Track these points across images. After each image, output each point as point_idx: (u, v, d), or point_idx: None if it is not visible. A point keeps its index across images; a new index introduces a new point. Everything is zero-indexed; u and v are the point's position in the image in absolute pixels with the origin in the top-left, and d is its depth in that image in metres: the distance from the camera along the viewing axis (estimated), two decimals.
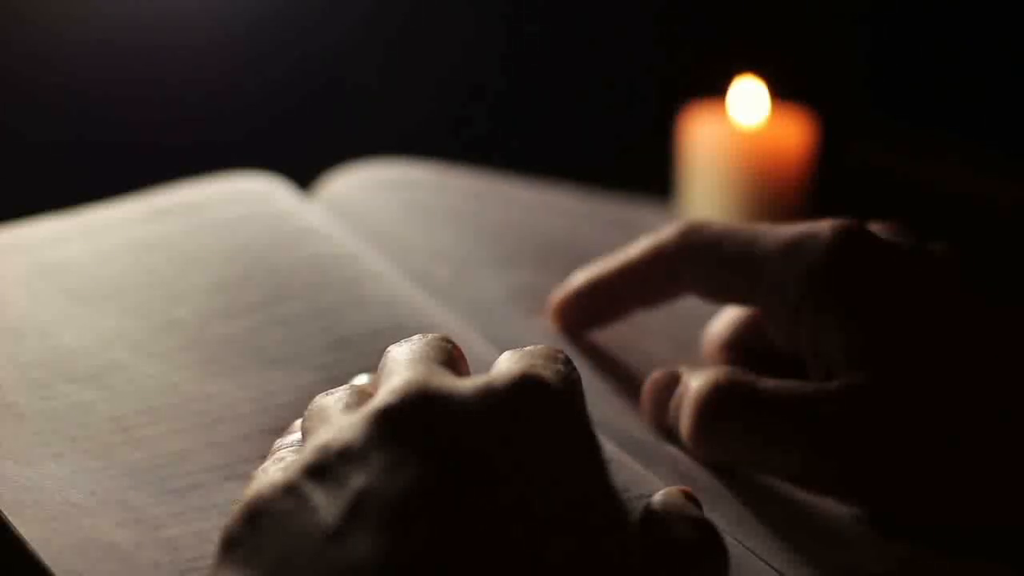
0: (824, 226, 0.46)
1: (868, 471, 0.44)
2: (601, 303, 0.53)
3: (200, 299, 0.51)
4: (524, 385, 0.36)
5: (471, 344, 0.48)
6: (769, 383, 0.45)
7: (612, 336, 0.54)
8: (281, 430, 0.43)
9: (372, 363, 0.41)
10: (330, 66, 1.02)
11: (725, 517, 0.44)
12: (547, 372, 0.37)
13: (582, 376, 0.39)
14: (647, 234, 0.51)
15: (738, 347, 0.52)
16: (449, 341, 0.40)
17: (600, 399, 0.50)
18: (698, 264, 0.49)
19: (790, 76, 0.89)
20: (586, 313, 0.53)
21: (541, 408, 0.36)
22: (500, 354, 0.39)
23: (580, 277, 0.53)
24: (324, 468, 0.34)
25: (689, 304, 0.52)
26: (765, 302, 0.48)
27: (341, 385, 0.40)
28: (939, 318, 0.45)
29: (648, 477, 0.44)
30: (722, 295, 0.50)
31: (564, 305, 0.53)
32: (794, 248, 0.46)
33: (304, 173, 0.65)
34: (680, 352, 0.53)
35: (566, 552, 0.34)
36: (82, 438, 0.44)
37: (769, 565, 0.42)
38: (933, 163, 0.98)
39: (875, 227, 0.48)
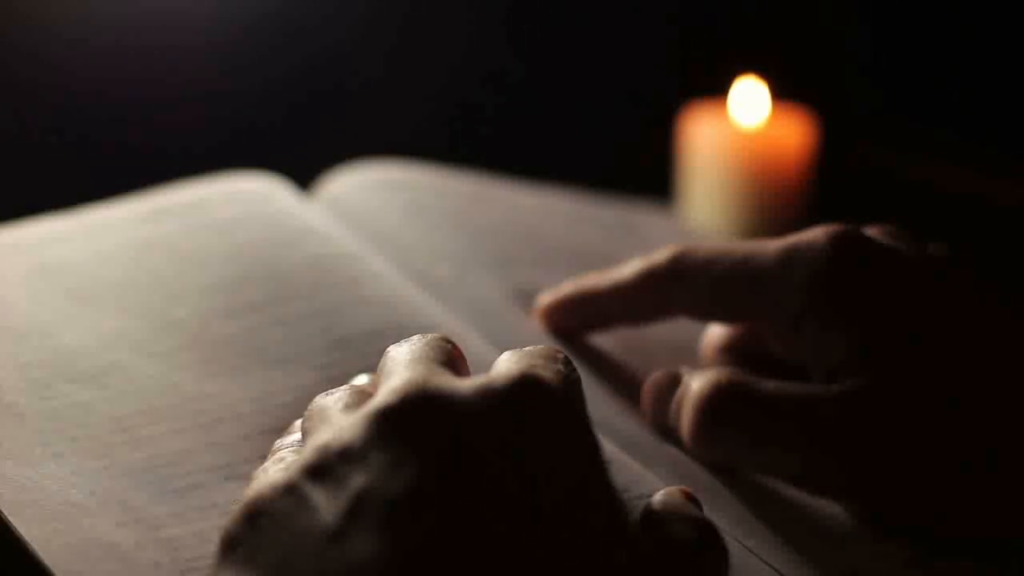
0: (819, 233, 0.46)
1: (867, 472, 0.44)
2: (587, 316, 0.53)
3: (200, 299, 0.51)
4: (524, 385, 0.36)
5: (471, 344, 0.48)
6: (769, 384, 0.45)
7: (612, 337, 0.54)
8: (281, 430, 0.43)
9: (372, 363, 0.41)
10: (330, 66, 1.02)
11: (725, 517, 0.44)
12: (547, 372, 0.37)
13: (582, 376, 0.39)
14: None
15: (737, 350, 0.52)
16: (449, 341, 0.40)
17: (600, 399, 0.50)
18: (690, 286, 0.49)
19: (790, 76, 0.89)
20: (571, 322, 0.53)
21: (541, 408, 0.36)
22: (500, 354, 0.39)
23: (570, 287, 0.53)
24: (324, 468, 0.34)
25: None
26: (764, 316, 0.48)
27: (341, 385, 0.40)
28: (938, 320, 0.45)
29: (648, 477, 0.44)
30: (716, 315, 0.50)
31: (551, 310, 0.53)
32: (791, 258, 0.46)
33: (304, 173, 0.65)
34: (680, 353, 0.53)
35: (566, 552, 0.34)
36: (82, 438, 0.44)
37: (769, 565, 0.42)
38: (933, 163, 0.98)
39: (870, 230, 0.48)
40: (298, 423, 0.41)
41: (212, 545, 0.36)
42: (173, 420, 0.45)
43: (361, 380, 0.44)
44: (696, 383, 0.46)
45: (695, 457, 0.47)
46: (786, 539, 0.44)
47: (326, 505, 0.34)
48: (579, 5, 1.06)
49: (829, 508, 0.45)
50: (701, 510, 0.40)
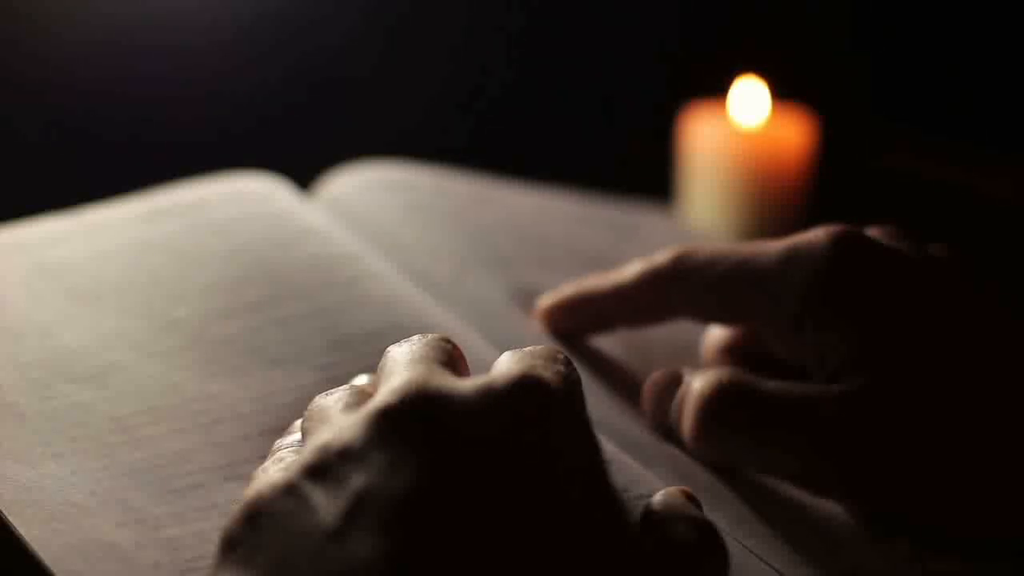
0: (820, 234, 0.46)
1: (867, 472, 0.44)
2: (588, 318, 0.53)
3: (200, 299, 0.51)
4: (524, 385, 0.36)
5: (471, 344, 0.48)
6: (770, 384, 0.45)
7: (612, 337, 0.54)
8: (281, 430, 0.43)
9: (372, 363, 0.41)
10: (329, 65, 1.02)
11: (725, 517, 0.44)
12: (547, 373, 0.37)
13: (582, 376, 0.39)
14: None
15: (738, 351, 0.52)
16: (449, 341, 0.40)
17: (600, 399, 0.50)
18: (691, 288, 0.49)
19: (790, 76, 0.89)
20: (572, 324, 0.53)
21: (541, 408, 0.36)
22: (500, 354, 0.39)
23: (570, 288, 0.53)
24: (324, 468, 0.34)
25: None
26: (765, 316, 0.48)
27: (341, 385, 0.40)
28: (939, 320, 0.45)
29: (648, 477, 0.44)
30: (717, 316, 0.50)
31: (552, 312, 0.53)
32: (792, 259, 0.46)
33: (304, 173, 0.65)
34: (680, 353, 0.53)
35: (566, 553, 0.34)
36: (82, 438, 0.44)
37: (769, 565, 0.42)
38: (933, 163, 0.98)
39: (871, 231, 0.48)
40: (298, 423, 0.41)
41: (212, 545, 0.36)
42: (173, 420, 0.45)
43: (361, 380, 0.44)
44: (697, 383, 0.46)
45: (695, 457, 0.47)
46: (786, 539, 0.44)
47: (326, 505, 0.34)
48: (579, 5, 1.06)
49: (829, 508, 0.45)
50: (701, 510, 0.40)
